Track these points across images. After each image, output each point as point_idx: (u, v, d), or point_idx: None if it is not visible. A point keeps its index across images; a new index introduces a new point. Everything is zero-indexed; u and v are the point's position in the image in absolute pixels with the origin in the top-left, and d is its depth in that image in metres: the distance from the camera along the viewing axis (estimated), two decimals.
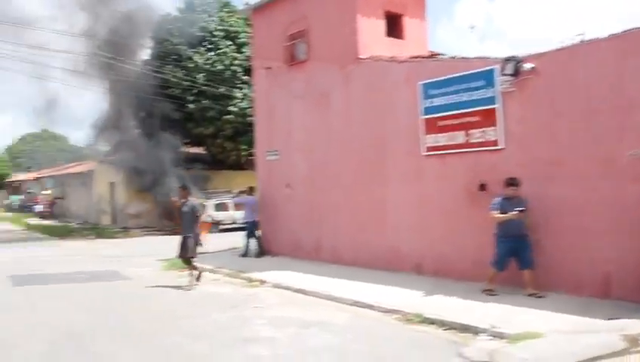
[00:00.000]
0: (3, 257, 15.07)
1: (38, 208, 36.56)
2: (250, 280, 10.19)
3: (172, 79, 24.20)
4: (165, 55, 24.96)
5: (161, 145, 23.29)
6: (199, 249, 10.14)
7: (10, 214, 39.68)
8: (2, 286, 10.32)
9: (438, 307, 7.29)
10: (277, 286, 9.57)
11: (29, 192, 45.17)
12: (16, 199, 45.57)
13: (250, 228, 13.31)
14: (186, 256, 9.92)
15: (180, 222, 10.04)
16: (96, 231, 23.80)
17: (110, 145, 26.76)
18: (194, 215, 10.02)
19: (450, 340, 6.14)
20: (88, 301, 8.85)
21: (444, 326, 6.64)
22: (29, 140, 73.40)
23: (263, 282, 9.93)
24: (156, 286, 9.99)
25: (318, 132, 11.97)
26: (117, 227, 24.48)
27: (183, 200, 10.12)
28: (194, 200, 10.49)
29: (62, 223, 29.85)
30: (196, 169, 24.84)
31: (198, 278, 9.98)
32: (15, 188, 53.70)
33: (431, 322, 6.79)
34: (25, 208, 40.51)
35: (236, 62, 24.82)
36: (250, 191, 13.91)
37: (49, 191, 36.99)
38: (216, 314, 7.67)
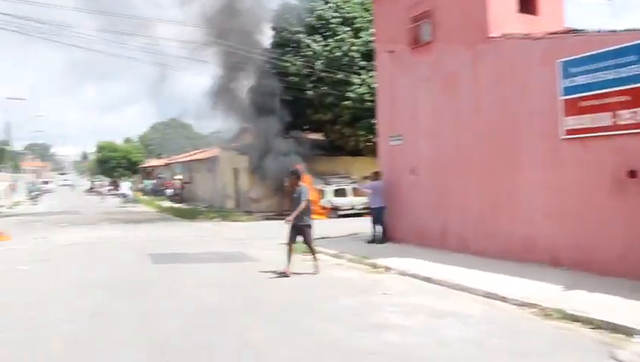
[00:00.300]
0: (142, 236, 16.37)
1: (169, 192, 39.29)
2: (375, 266, 10.12)
3: (291, 67, 24.77)
4: (284, 43, 25.58)
5: (281, 131, 23.95)
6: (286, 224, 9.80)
7: (145, 197, 42.99)
8: (144, 263, 11.15)
9: (580, 303, 6.73)
10: (403, 273, 9.41)
11: (159, 177, 48.68)
12: (148, 184, 49.36)
13: (377, 214, 13.20)
14: (291, 242, 9.75)
15: (291, 208, 9.90)
16: (221, 214, 25.07)
17: (233, 132, 28.02)
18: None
19: (600, 340, 5.64)
20: (220, 280, 9.27)
21: (590, 324, 6.12)
22: (159, 129, 79.18)
23: (388, 269, 9.82)
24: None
25: (444, 116, 11.58)
26: (240, 211, 25.60)
27: (293, 186, 10.00)
28: (304, 185, 10.06)
29: (190, 206, 31.86)
30: (315, 155, 25.26)
31: (315, 266, 9.85)
32: (148, 173, 58.20)
33: (574, 319, 6.28)
34: (157, 192, 43.73)
35: (354, 48, 24.79)
36: (376, 176, 13.77)
37: (180, 176, 39.59)
38: (345, 299, 7.69)
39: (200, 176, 36.04)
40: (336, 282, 9.08)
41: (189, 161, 40.35)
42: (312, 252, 9.97)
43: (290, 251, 9.71)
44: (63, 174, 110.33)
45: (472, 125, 10.85)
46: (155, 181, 49.36)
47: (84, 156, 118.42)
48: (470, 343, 5.61)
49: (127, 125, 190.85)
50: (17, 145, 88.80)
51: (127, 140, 72.13)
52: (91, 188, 60.85)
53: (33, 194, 42.14)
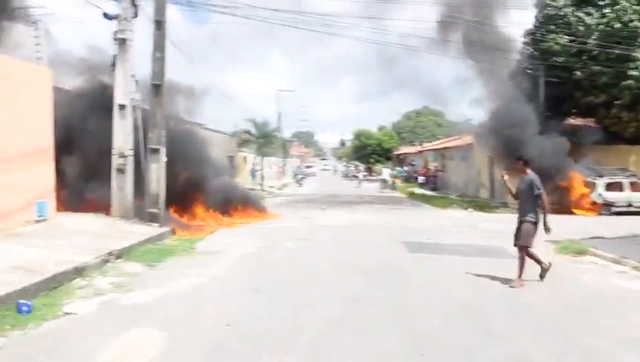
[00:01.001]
0: (395, 222, 16.53)
1: (421, 179, 39.54)
2: None
3: (554, 46, 22.40)
4: (548, 21, 23.21)
5: (542, 117, 21.86)
6: (548, 235, 8.15)
7: (399, 184, 44.02)
8: (400, 251, 11.08)
9: None
10: None
11: (412, 164, 49.42)
12: (400, 170, 50.46)
13: None
14: (519, 244, 8.12)
15: (518, 202, 8.35)
16: (475, 204, 24.10)
17: (488, 119, 26.62)
18: (532, 193, 7.99)
19: None
20: (481, 277, 8.58)
21: None
22: (411, 117, 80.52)
23: None
24: (551, 271, 9.12)
25: None
26: (495, 201, 24.27)
27: (521, 175, 8.32)
28: (533, 174, 8.18)
29: (442, 194, 31.50)
30: (583, 142, 22.46)
31: (542, 274, 8.19)
32: (401, 160, 59.72)
33: None
34: (409, 178, 44.40)
35: (635, 17, 21.27)
36: None
37: (435, 164, 39.53)
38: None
39: (453, 163, 35.40)
40: (624, 295, 7.63)
41: (442, 148, 39.97)
42: (521, 254, 8.10)
43: (526, 255, 8.09)
44: (323, 160, 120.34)
45: None
46: (407, 168, 50.28)
47: (342, 143, 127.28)
48: None
49: (381, 113, 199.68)
50: (286, 133, 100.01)
51: (381, 128, 75.01)
52: (347, 174, 65.07)
53: (298, 177, 46.66)
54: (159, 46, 13.15)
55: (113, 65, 13.17)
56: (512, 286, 7.81)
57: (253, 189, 34.71)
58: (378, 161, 65.19)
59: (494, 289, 7.83)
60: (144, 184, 13.33)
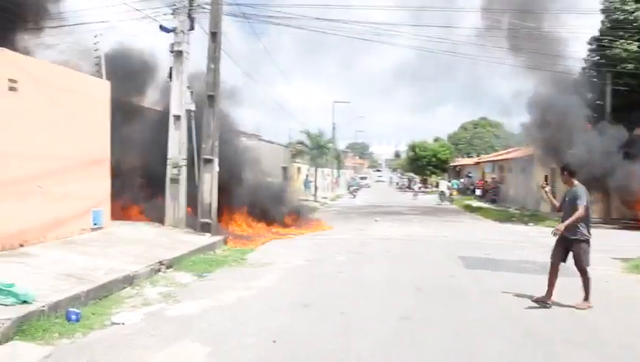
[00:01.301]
0: (451, 236, 15.96)
1: (479, 192, 38.43)
2: None
3: (622, 53, 21.28)
4: (617, 26, 22.08)
5: (610, 127, 20.73)
6: (554, 236, 7.45)
7: (456, 196, 42.93)
8: (455, 266, 10.58)
9: None
10: None
11: (468, 176, 48.17)
12: (455, 183, 49.33)
13: None
14: (557, 262, 7.49)
15: (561, 215, 7.58)
16: (536, 217, 23.08)
17: (547, 131, 25.53)
18: (575, 207, 7.22)
19: None
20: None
21: None
22: (468, 128, 78.80)
23: None
24: (622, 292, 8.46)
25: None
26: (557, 215, 23.13)
27: (568, 187, 7.60)
28: (580, 186, 7.47)
29: (500, 207, 30.43)
30: None
31: (586, 297, 7.43)
32: (457, 172, 58.39)
33: None
34: (466, 191, 43.25)
35: None
36: None
37: (493, 175, 38.36)
38: None
39: (512, 176, 34.20)
40: None
41: (500, 160, 38.74)
42: (584, 277, 7.44)
43: (553, 272, 7.50)
44: (378, 171, 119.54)
45: None
46: (463, 180, 49.09)
47: (397, 154, 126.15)
48: None
49: (437, 124, 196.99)
50: (341, 144, 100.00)
51: (437, 139, 73.75)
52: (402, 185, 64.16)
53: (352, 188, 46.33)
54: (214, 57, 13.25)
55: (170, 76, 13.37)
56: (579, 308, 7.23)
57: (306, 200, 34.77)
58: (433, 173, 63.97)
59: (559, 310, 7.27)
60: (197, 194, 13.42)
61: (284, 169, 34.09)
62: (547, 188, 8.30)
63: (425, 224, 20.51)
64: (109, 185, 11.83)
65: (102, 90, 11.69)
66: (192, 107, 13.43)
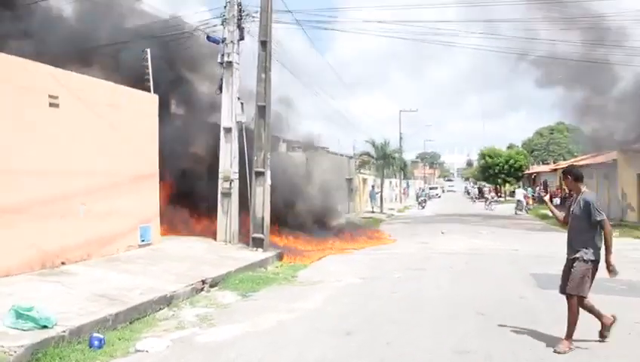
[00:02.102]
0: (525, 250, 14.61)
1: (556, 200, 36.05)
2: None
3: None
4: None
5: None
6: (612, 277, 5.80)
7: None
8: (526, 286, 9.42)
9: None
10: None
11: (544, 184, 45.51)
12: (532, 191, 46.70)
13: None
14: (564, 291, 5.88)
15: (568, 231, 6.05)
16: (621, 228, 21.06)
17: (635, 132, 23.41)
18: (589, 218, 5.68)
19: None
20: (637, 324, 6.79)
21: None
22: (543, 133, 75.07)
23: None
24: None
25: None
26: None
27: (571, 194, 6.29)
28: (589, 192, 5.97)
29: None
30: None
31: (604, 333, 5.87)
32: (532, 180, 55.47)
33: None
34: (542, 199, 40.68)
35: None
36: None
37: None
38: None
39: (592, 183, 31.77)
40: None
41: (579, 166, 36.22)
42: (570, 308, 5.77)
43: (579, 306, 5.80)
44: (449, 181, 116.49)
45: None
46: (539, 188, 46.46)
47: (469, 163, 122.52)
48: None
49: (511, 131, 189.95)
50: (410, 155, 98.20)
51: (510, 146, 70.59)
52: (473, 195, 61.83)
53: (421, 199, 44.86)
54: (264, 67, 12.81)
55: (220, 88, 13.06)
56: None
57: (372, 212, 33.89)
58: (506, 182, 61.08)
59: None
60: (250, 208, 12.96)
61: (349, 181, 33.38)
62: (547, 197, 7.03)
63: (496, 236, 19.12)
64: (157, 200, 11.58)
65: (150, 103, 11.49)
66: (243, 119, 13.03)
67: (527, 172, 59.16)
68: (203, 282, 8.97)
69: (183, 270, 9.52)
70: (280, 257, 12.54)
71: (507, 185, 62.37)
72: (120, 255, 10.14)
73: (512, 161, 57.59)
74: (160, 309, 7.61)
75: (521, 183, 58.05)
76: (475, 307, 7.58)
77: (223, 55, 12.89)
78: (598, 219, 5.64)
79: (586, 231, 5.74)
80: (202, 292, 8.80)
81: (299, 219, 17.42)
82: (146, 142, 11.25)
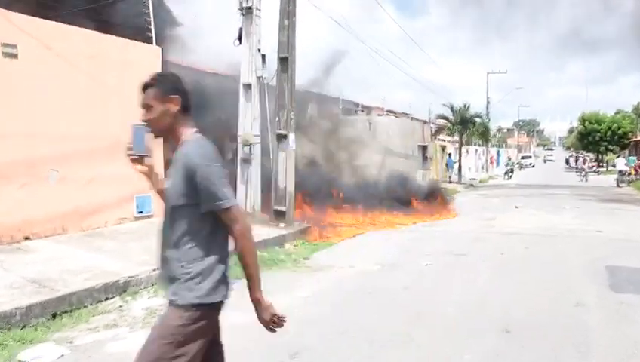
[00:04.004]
0: (608, 231, 11.86)
1: None
2: None
3: None
4: None
5: None
6: None
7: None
8: (592, 286, 6.99)
9: None
10: None
11: None
12: (633, 160, 41.42)
13: None
14: None
15: None
16: None
17: None
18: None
19: None
20: None
21: None
22: None
23: None
24: None
25: None
26: None
27: None
28: (198, 142, 2.51)
29: None
30: None
31: None
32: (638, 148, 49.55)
33: None
34: None
35: None
36: None
37: None
38: None
39: None
40: None
41: None
42: None
43: None
44: (549, 150, 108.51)
45: None
46: None
47: (570, 131, 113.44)
48: None
49: (621, 96, 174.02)
50: (506, 122, 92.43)
51: (619, 112, 63.54)
52: (570, 165, 56.48)
53: (508, 168, 41.22)
54: (287, 11, 10.97)
55: (239, 38, 11.41)
56: None
57: (448, 182, 31.24)
58: (609, 150, 55.04)
59: None
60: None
61: (423, 148, 30.87)
62: None
63: (580, 213, 16.18)
64: (160, 165, 10.22)
65: (151, 57, 10.08)
66: (265, 74, 11.32)
67: (634, 139, 52.88)
68: None
69: None
70: (305, 233, 10.89)
71: (609, 153, 56.28)
72: (105, 229, 8.93)
73: (614, 127, 51.53)
74: (109, 298, 6.25)
75: (626, 152, 51.98)
76: (503, 319, 5.45)
77: (241, 1, 11.18)
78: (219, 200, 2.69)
79: None
80: None
81: (353, 189, 15.66)
82: None
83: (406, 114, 27.67)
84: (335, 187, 15.04)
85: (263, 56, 11.28)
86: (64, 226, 8.29)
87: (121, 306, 6.12)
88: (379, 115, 24.85)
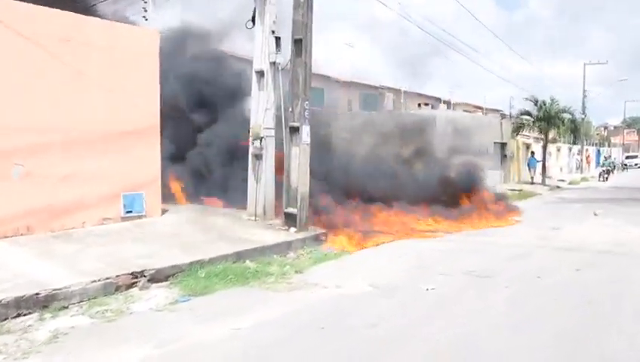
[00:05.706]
0: None
1: None
2: None
3: None
4: None
5: None
6: None
7: None
8: (633, 339, 5.16)
9: None
10: None
11: None
12: None
13: None
14: None
15: None
16: None
17: None
18: None
19: None
20: None
21: None
22: None
23: None
24: None
25: None
26: None
27: None
28: None
29: None
30: None
31: None
32: None
33: None
34: None
35: None
36: None
37: None
38: None
39: None
40: None
41: None
42: None
43: None
44: None
45: None
46: None
47: None
48: None
49: None
50: (614, 120, 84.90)
51: None
52: None
53: (603, 169, 37.15)
54: None
55: (253, 19, 10.28)
56: None
57: (531, 183, 28.46)
58: None
59: None
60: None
61: (502, 145, 28.32)
62: None
63: None
64: (156, 161, 9.34)
65: (148, 41, 9.18)
66: (279, 59, 10.10)
67: None
68: (135, 275, 6.48)
69: (134, 254, 7.12)
70: (318, 239, 9.59)
71: None
72: (80, 230, 8.10)
73: None
74: (24, 314, 5.34)
75: None
76: None
77: None
78: None
79: None
80: (133, 289, 6.35)
81: (398, 191, 14.07)
82: (140, 90, 9.00)
83: (479, 108, 25.34)
84: (376, 188, 13.54)
85: (278, 38, 10.06)
86: (29, 226, 7.55)
87: (30, 326, 5.18)
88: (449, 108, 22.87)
